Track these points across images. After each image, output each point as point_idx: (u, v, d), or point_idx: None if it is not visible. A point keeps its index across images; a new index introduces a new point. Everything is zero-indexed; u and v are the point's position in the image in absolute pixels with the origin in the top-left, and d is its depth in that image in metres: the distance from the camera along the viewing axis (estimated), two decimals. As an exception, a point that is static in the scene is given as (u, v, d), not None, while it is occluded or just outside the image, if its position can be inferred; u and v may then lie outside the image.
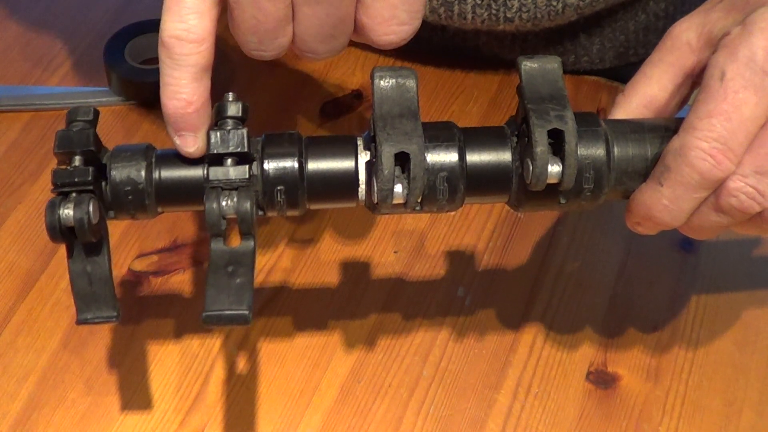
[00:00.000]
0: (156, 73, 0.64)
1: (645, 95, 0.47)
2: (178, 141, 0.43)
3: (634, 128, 0.45)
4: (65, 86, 0.67)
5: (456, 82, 0.68)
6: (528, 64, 0.44)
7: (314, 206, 0.44)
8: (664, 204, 0.43)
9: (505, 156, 0.43)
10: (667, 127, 0.45)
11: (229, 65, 0.67)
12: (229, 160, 0.42)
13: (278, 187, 0.43)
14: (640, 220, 0.45)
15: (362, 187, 0.43)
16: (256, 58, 0.44)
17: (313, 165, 0.43)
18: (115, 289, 0.43)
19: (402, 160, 0.41)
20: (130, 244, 0.58)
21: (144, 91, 0.65)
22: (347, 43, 0.44)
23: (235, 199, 0.41)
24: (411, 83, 0.43)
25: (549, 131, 0.41)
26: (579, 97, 0.68)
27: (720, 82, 0.42)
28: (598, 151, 0.43)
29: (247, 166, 0.42)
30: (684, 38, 0.46)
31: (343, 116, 0.66)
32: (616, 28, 0.70)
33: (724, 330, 0.56)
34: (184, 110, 0.42)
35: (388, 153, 0.41)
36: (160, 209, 0.44)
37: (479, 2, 0.63)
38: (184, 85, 0.42)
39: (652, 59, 0.48)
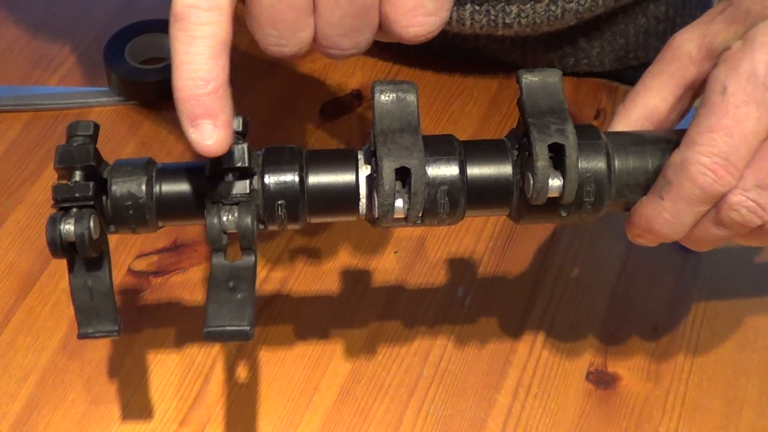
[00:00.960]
0: (156, 73, 0.65)
1: (646, 107, 0.47)
2: (194, 135, 0.38)
3: (634, 141, 0.45)
4: (65, 86, 0.67)
5: (456, 84, 0.68)
6: (529, 78, 0.43)
7: (315, 220, 0.44)
8: (665, 217, 0.43)
9: (505, 170, 0.43)
10: (667, 139, 0.45)
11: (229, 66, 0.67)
12: (230, 175, 0.41)
13: (279, 202, 0.42)
14: (641, 232, 0.45)
15: (363, 201, 0.43)
16: (275, 55, 0.41)
17: (314, 179, 0.43)
18: (115, 292, 0.43)
19: (403, 174, 0.41)
20: (130, 244, 0.58)
21: (144, 91, 0.65)
22: (372, 39, 0.42)
23: (236, 214, 0.41)
24: (411, 97, 0.43)
25: (550, 145, 0.41)
26: (579, 97, 0.68)
27: (721, 97, 0.42)
28: (599, 164, 0.43)
29: (247, 181, 0.42)
30: (685, 49, 0.46)
31: (343, 116, 0.66)
32: (616, 31, 0.70)
33: (724, 330, 0.56)
34: (202, 90, 0.38)
35: (388, 168, 0.41)
36: (160, 223, 0.44)
37: (477, 8, 0.63)
38: (200, 62, 0.38)
39: (652, 70, 0.48)
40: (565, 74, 0.68)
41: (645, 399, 0.53)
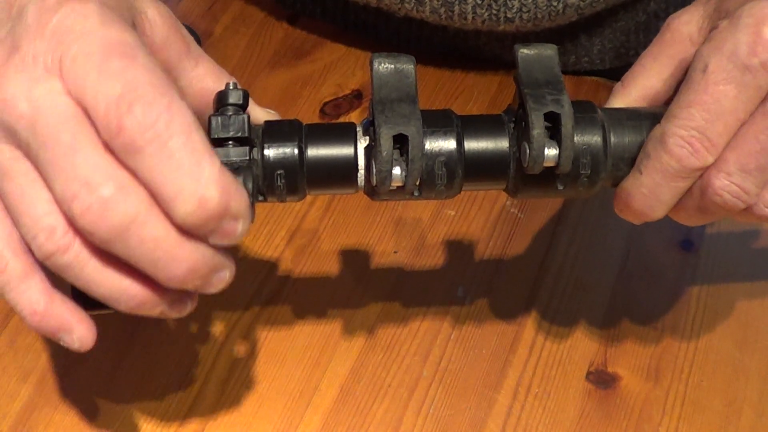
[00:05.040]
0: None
1: (644, 87, 0.48)
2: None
3: (630, 115, 0.46)
4: (65, 86, 0.67)
5: (456, 83, 0.68)
6: (525, 51, 0.44)
7: (314, 192, 0.45)
8: (642, 192, 0.44)
9: (502, 142, 0.44)
10: (662, 114, 0.45)
11: (229, 65, 0.67)
12: (230, 144, 0.42)
13: (278, 172, 0.43)
14: (622, 207, 0.46)
15: (361, 172, 0.44)
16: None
17: (313, 151, 0.44)
18: None
19: (400, 143, 0.42)
20: (130, 244, 0.58)
21: (144, 91, 0.65)
22: None
23: None
24: (409, 68, 0.44)
25: (546, 114, 0.42)
26: (579, 97, 0.67)
27: (702, 74, 0.42)
28: (595, 137, 0.44)
29: (247, 148, 0.42)
30: (685, 31, 0.47)
31: (343, 116, 0.66)
32: (616, 28, 0.70)
33: (724, 330, 0.56)
34: None
35: (386, 135, 0.41)
36: None
37: (480, 2, 0.63)
38: None
39: (651, 52, 0.48)
40: (565, 72, 0.68)
41: (645, 399, 0.53)
